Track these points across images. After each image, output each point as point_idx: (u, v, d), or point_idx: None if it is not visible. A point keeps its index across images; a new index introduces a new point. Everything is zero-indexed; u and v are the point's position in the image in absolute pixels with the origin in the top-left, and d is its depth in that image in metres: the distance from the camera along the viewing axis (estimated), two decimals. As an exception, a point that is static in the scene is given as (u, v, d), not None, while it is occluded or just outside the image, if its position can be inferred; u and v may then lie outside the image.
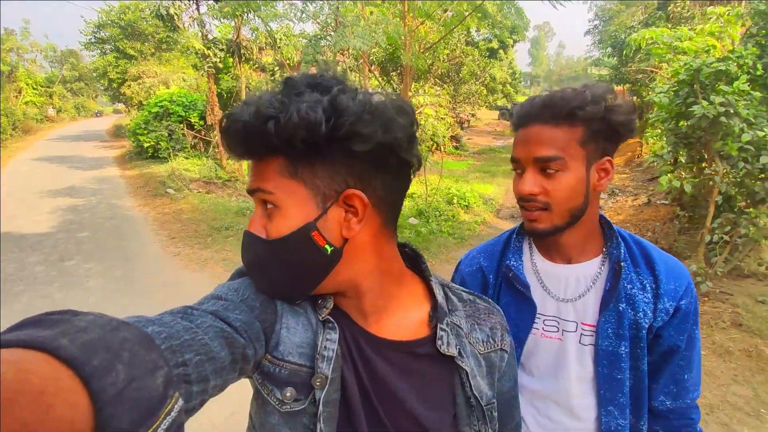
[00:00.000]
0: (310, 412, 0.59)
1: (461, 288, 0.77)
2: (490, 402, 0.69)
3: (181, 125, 12.93)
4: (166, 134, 12.71)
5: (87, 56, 30.93)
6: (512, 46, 25.00)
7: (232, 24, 10.89)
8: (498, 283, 1.01)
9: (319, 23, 5.70)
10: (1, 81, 23.03)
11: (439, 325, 0.67)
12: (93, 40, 22.66)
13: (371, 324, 0.65)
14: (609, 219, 0.98)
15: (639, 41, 5.63)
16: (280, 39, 10.82)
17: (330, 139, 0.54)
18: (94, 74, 27.08)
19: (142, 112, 13.81)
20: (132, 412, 0.33)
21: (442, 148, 10.90)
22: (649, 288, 0.91)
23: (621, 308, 0.91)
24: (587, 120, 0.84)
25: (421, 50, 7.12)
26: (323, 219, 0.58)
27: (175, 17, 10.54)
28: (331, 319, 0.63)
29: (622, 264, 0.90)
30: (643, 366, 0.92)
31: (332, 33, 5.26)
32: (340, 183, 0.58)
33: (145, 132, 12.85)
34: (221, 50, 10.77)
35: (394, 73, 10.91)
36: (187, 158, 12.26)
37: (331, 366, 0.59)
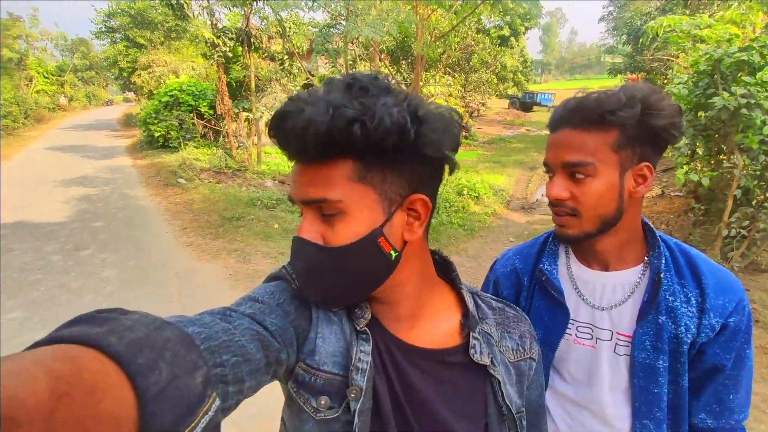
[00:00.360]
0: (343, 420, 0.59)
1: (490, 296, 0.78)
2: (519, 410, 0.69)
3: (191, 115, 12.95)
4: (177, 124, 12.75)
5: (98, 45, 31.01)
6: (524, 34, 24.59)
7: (242, 12, 10.81)
8: (532, 286, 1.00)
9: (329, 12, 5.63)
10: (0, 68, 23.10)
11: (471, 333, 0.67)
12: (103, 29, 22.68)
13: (404, 331, 0.66)
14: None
15: (656, 29, 5.48)
16: (290, 28, 10.73)
17: (408, 144, 0.55)
18: (105, 63, 27.14)
19: (153, 102, 13.84)
20: (173, 410, 0.34)
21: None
22: (694, 301, 0.86)
23: (660, 321, 0.87)
24: (621, 124, 0.81)
25: (433, 39, 7.02)
26: (389, 224, 0.59)
27: (185, 5, 10.48)
28: (367, 330, 0.63)
29: (661, 275, 0.86)
30: (683, 382, 0.88)
31: (343, 22, 5.19)
32: (405, 187, 0.59)
33: (156, 121, 12.90)
34: (231, 39, 10.71)
35: (404, 62, 10.79)
36: (197, 148, 12.30)
37: (366, 377, 0.60)
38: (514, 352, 0.72)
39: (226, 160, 11.22)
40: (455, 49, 8.83)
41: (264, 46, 12.16)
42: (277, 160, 12.67)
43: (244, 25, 11.11)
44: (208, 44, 11.13)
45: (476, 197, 8.73)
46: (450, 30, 6.52)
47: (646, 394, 0.89)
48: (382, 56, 11.74)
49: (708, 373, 0.88)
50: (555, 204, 0.87)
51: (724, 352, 0.86)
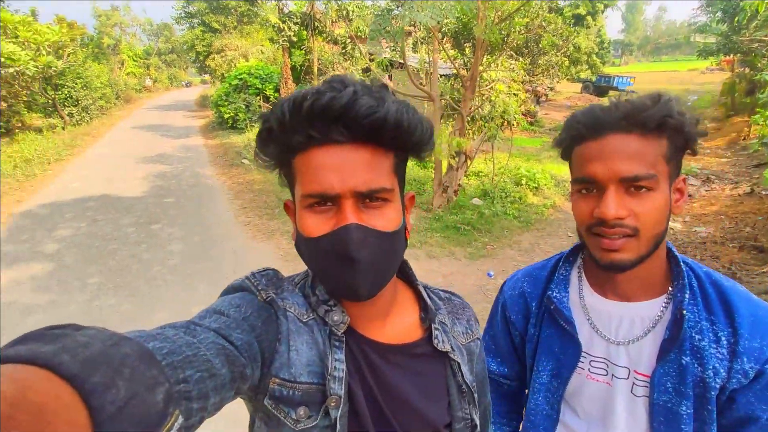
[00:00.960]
0: (321, 426, 0.61)
1: (437, 288, 0.82)
2: (472, 385, 0.76)
3: (258, 97, 13.52)
4: (244, 106, 13.38)
5: (178, 30, 33.09)
6: (602, 12, 22.76)
7: (307, -3, 11.00)
8: (541, 312, 0.92)
9: (388, -5, 5.55)
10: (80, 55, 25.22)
11: (433, 325, 0.73)
12: (182, 15, 24.12)
13: (375, 331, 0.69)
14: (675, 248, 0.83)
15: (757, 6, 4.84)
16: (353, 11, 10.76)
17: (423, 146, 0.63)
18: (183, 47, 28.93)
19: (223, 84, 14.60)
20: (132, 429, 0.33)
21: (514, 125, 10.36)
22: (725, 342, 0.76)
23: (684, 362, 0.77)
24: (674, 131, 0.72)
25: (496, 21, 6.72)
26: (405, 213, 0.67)
27: (254, -9, 10.82)
28: (343, 335, 0.65)
29: (684, 312, 0.77)
30: (711, 430, 0.78)
31: (399, 7, 5.11)
32: (403, 183, 0.67)
33: (226, 103, 13.63)
34: (295, 23, 10.96)
35: (468, 46, 10.42)
36: (262, 130, 12.86)
37: (342, 384, 0.62)
38: (465, 335, 0.78)
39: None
40: (521, 32, 8.36)
41: (327, 30, 12.33)
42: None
43: (309, 10, 11.31)
44: (275, 29, 11.48)
45: (535, 188, 8.36)
46: (515, 11, 6.18)
47: None
48: (445, 39, 11.44)
49: (740, 423, 0.78)
50: (610, 225, 0.73)
51: (760, 403, 0.76)
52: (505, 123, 7.90)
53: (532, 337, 0.93)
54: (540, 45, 13.48)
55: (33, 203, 6.93)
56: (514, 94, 7.57)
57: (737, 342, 0.75)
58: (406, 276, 0.78)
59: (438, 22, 6.00)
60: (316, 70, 12.12)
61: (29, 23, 13.22)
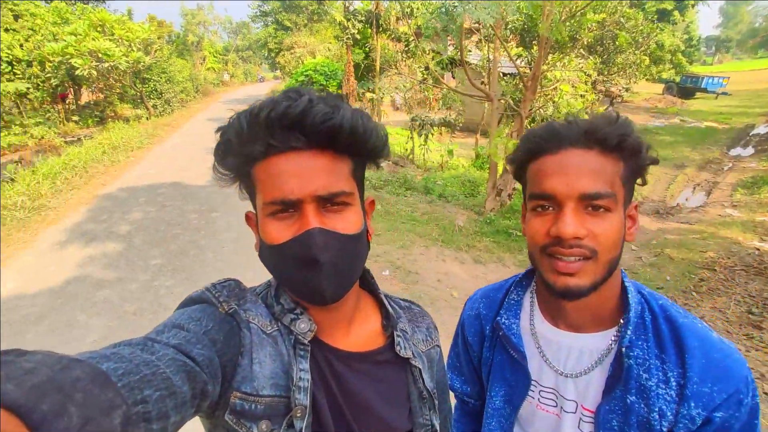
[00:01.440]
0: None
1: (397, 297, 0.84)
2: (433, 391, 0.76)
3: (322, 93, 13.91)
4: (308, 102, 13.83)
5: (254, 28, 34.87)
6: (693, 6, 20.79)
7: (373, -5, 11.11)
8: (494, 336, 0.88)
9: (449, -7, 5.46)
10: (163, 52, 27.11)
11: (395, 332, 0.74)
12: (258, 13, 25.36)
13: (339, 339, 0.70)
14: (631, 280, 0.79)
15: None
16: (417, 8, 10.70)
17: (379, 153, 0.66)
18: (258, 44, 30.43)
19: (290, 80, 15.18)
20: None
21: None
22: (674, 383, 0.70)
23: (629, 400, 0.72)
24: (631, 153, 0.70)
25: (564, 18, 6.37)
26: (365, 217, 0.68)
27: (322, -10, 11.12)
28: (308, 344, 0.65)
29: (623, 348, 0.72)
30: None
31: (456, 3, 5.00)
32: (363, 188, 0.69)
33: (292, 99, 14.16)
34: (360, 21, 11.11)
35: (534, 43, 9.97)
36: (324, 125, 13.23)
37: (308, 394, 0.61)
38: (425, 343, 0.80)
39: (346, 138, 11.85)
40: (591, 30, 7.82)
41: (391, 27, 12.37)
42: (394, 141, 12.95)
43: (374, 8, 11.41)
44: (340, 26, 11.72)
45: (599, 195, 7.85)
46: (584, 7, 5.82)
47: None
48: (511, 37, 11.04)
49: None
50: (567, 246, 0.68)
51: None
52: (570, 125, 7.45)
53: (487, 361, 0.90)
54: (616, 42, 12.58)
55: (115, 187, 7.64)
56: (581, 95, 7.13)
57: (686, 385, 0.69)
58: (368, 285, 0.78)
59: (499, 19, 5.80)
60: (378, 67, 12.22)
61: (124, 22, 14.58)
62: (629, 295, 0.75)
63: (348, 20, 10.97)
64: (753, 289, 4.55)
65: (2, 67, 11.76)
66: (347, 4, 11.64)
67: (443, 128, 11.87)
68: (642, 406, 0.72)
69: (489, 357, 0.90)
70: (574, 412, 0.78)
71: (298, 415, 0.60)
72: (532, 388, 0.83)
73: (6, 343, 3.32)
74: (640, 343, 0.73)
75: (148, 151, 10.87)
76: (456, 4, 5.94)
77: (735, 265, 5.15)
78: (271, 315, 0.67)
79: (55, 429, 0.30)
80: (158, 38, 16.17)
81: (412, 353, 0.75)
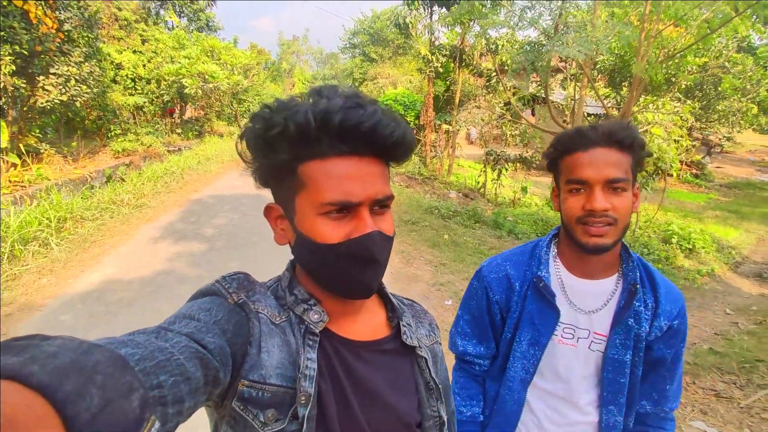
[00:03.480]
0: (287, 430, 0.61)
1: (399, 295, 0.88)
2: (439, 384, 0.79)
3: (399, 122, 14.31)
4: (386, 130, 14.27)
5: (342, 59, 37.06)
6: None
7: (459, 31, 11.38)
8: (524, 291, 1.11)
9: (538, 29, 5.46)
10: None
11: (400, 322, 0.77)
12: (347, 45, 26.97)
13: (347, 329, 0.72)
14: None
15: None
16: (502, 45, 10.78)
17: None
18: (344, 74, 32.25)
19: (371, 109, 15.81)
20: None
21: (673, 175, 9.07)
22: (650, 306, 1.04)
23: (630, 323, 1.03)
24: (637, 150, 0.98)
25: (661, 59, 6.08)
26: None
27: (410, 25, 11.62)
28: (318, 334, 0.66)
29: (637, 286, 1.02)
30: (638, 371, 1.05)
31: (546, 40, 4.97)
32: None
33: (370, 126, 14.71)
34: (444, 56, 11.40)
35: (624, 84, 9.54)
36: (398, 153, 13.54)
37: (314, 383, 0.62)
38: (428, 338, 0.83)
39: (419, 167, 12.02)
40: (691, 72, 7.34)
41: (475, 62, 12.54)
42: (466, 173, 12.89)
43: (460, 43, 11.67)
44: (424, 59, 12.10)
45: (689, 249, 7.19)
46: (684, 50, 5.53)
47: (614, 384, 1.06)
48: (599, 77, 10.70)
49: (652, 365, 1.07)
50: (597, 216, 0.95)
51: (666, 348, 1.06)
52: (660, 172, 7.00)
53: (514, 313, 1.12)
54: (719, 88, 11.68)
55: (204, 193, 8.36)
56: (675, 140, 6.67)
57: (658, 306, 1.04)
58: None
59: (590, 57, 5.66)
60: (457, 100, 12.37)
61: (230, 49, 16.23)
62: (630, 252, 1.08)
63: (432, 54, 11.31)
64: None
65: (126, 83, 13.54)
66: (432, 39, 12.03)
67: (518, 164, 11.63)
68: (635, 325, 1.03)
69: (516, 309, 1.12)
70: (587, 338, 1.07)
71: (302, 402, 0.61)
72: (557, 325, 1.07)
73: (102, 321, 3.71)
74: (639, 285, 1.03)
75: (237, 164, 11.78)
76: (544, 41, 5.91)
77: None
78: (281, 306, 0.68)
79: (78, 409, 0.31)
80: (257, 64, 17.75)
81: (418, 343, 0.77)
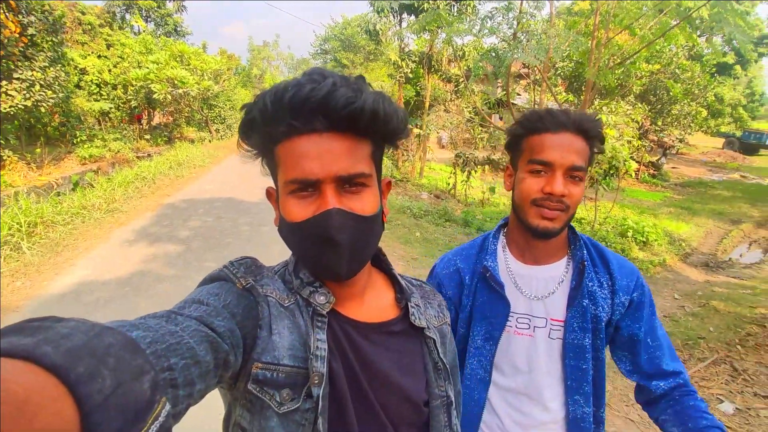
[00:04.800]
0: (302, 409, 0.62)
1: (409, 276, 0.88)
2: (447, 365, 0.79)
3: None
4: (357, 134, 14.48)
5: (314, 64, 37.13)
6: (756, 61, 20.22)
7: (428, 38, 11.76)
8: (474, 283, 1.09)
9: (498, 37, 5.82)
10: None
11: (408, 303, 0.77)
12: (318, 51, 27.13)
13: (355, 310, 0.72)
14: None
15: None
16: (469, 52, 11.21)
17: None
18: (316, 79, 32.41)
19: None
20: (119, 418, 0.33)
21: (629, 174, 9.65)
22: (606, 285, 1.01)
23: (584, 304, 1.00)
24: (598, 141, 0.99)
25: (611, 65, 6.55)
26: (382, 198, 0.70)
27: (380, 32, 11.92)
28: (326, 315, 0.67)
29: (585, 263, 1.01)
30: (602, 356, 1.02)
31: (506, 47, 5.33)
32: (380, 170, 0.71)
33: (342, 130, 14.88)
34: (413, 61, 11.74)
35: (582, 89, 10.12)
36: (370, 156, 13.78)
37: (325, 363, 0.63)
38: (437, 318, 0.83)
39: (392, 170, 12.29)
40: (639, 77, 7.90)
41: (443, 68, 12.95)
42: (437, 176, 13.25)
43: (428, 49, 12.05)
44: (394, 65, 12.42)
45: (643, 242, 7.69)
46: (632, 56, 5.99)
47: (577, 371, 1.01)
48: (560, 82, 11.26)
49: (627, 344, 1.04)
50: (553, 200, 0.94)
51: (634, 322, 1.02)
52: (615, 170, 7.48)
53: (465, 307, 1.09)
54: (671, 93, 12.49)
55: (177, 198, 8.34)
56: (628, 141, 7.16)
57: (614, 283, 1.01)
58: (381, 263, 0.82)
59: (546, 63, 6.06)
60: (427, 105, 12.74)
61: (200, 54, 16.12)
62: (577, 233, 1.07)
63: (402, 60, 11.64)
64: (806, 349, 4.31)
65: (91, 88, 13.27)
66: (402, 45, 12.37)
67: (487, 166, 12.07)
68: (591, 306, 1.00)
69: (468, 303, 1.09)
70: (544, 327, 1.03)
71: (316, 382, 0.61)
72: (510, 316, 1.04)
73: (79, 320, 3.75)
74: (586, 262, 1.02)
75: (208, 169, 11.76)
76: (506, 47, 6.29)
77: (788, 324, 4.89)
78: (289, 289, 0.69)
79: (90, 391, 0.31)
80: (227, 69, 17.69)
81: (427, 324, 0.77)
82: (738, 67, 19.73)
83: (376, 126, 0.61)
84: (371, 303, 0.75)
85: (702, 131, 19.81)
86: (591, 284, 1.01)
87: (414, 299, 0.79)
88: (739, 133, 24.48)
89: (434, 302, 0.86)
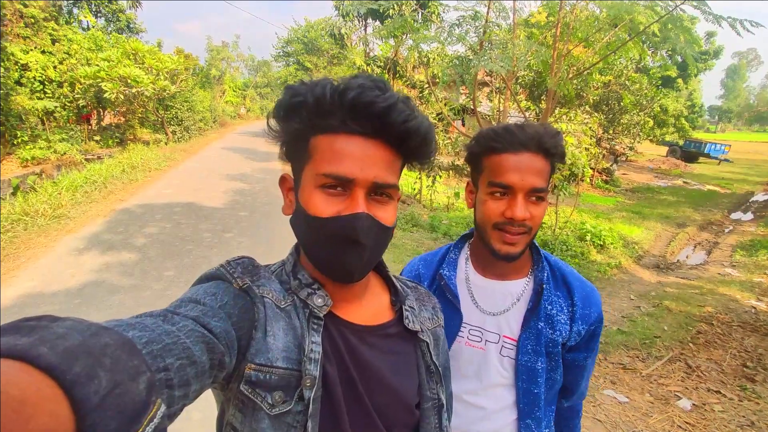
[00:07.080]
0: (294, 411, 0.62)
1: (405, 278, 0.89)
2: (439, 367, 0.80)
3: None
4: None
5: (275, 66, 36.52)
6: (696, 75, 21.75)
7: (393, 44, 11.83)
8: (432, 290, 1.08)
9: (465, 45, 5.91)
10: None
11: (403, 306, 0.78)
12: (281, 53, 26.72)
13: (351, 313, 0.72)
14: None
15: None
16: (434, 59, 11.36)
17: None
18: (278, 82, 31.80)
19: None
20: (115, 419, 0.32)
21: (585, 180, 10.08)
22: (566, 310, 1.00)
23: (540, 326, 0.99)
24: (559, 159, 0.95)
25: (571, 75, 6.81)
26: None
27: (345, 36, 11.87)
28: (323, 318, 0.67)
29: (544, 285, 0.99)
30: (557, 376, 1.02)
31: (473, 55, 5.41)
32: None
33: (306, 134, 14.67)
34: (379, 67, 11.77)
35: (542, 97, 10.52)
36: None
37: (318, 366, 0.63)
38: (431, 321, 0.83)
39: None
40: (596, 88, 8.33)
41: (408, 74, 13.06)
42: (402, 182, 13.28)
43: (393, 55, 12.11)
44: (359, 70, 12.41)
45: (600, 245, 8.03)
46: (589, 68, 6.26)
47: (529, 395, 1.00)
48: (521, 90, 11.62)
49: (568, 368, 1.04)
50: (516, 225, 0.92)
51: (584, 352, 1.03)
52: (574, 176, 7.78)
53: None
54: (621, 103, 13.19)
55: (132, 203, 7.90)
56: (585, 148, 7.47)
57: (575, 311, 0.99)
58: (378, 265, 0.82)
59: (511, 72, 6.21)
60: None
61: (155, 52, 15.43)
62: (540, 252, 1.05)
63: (368, 65, 11.64)
64: (748, 344, 4.62)
65: (34, 85, 12.40)
66: (367, 50, 12.38)
67: (451, 172, 12.25)
68: (548, 329, 0.99)
69: None
70: (497, 343, 1.02)
71: (308, 384, 0.62)
72: (462, 327, 1.04)
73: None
74: (545, 284, 1.00)
75: (165, 172, 11.22)
76: (471, 56, 6.39)
77: (732, 321, 5.23)
78: (285, 290, 0.69)
79: (87, 391, 0.31)
80: (185, 69, 17.02)
81: (420, 327, 0.78)
82: (680, 80, 21.19)
83: (419, 147, 0.65)
84: (367, 305, 0.75)
85: (649, 140, 21.08)
86: (549, 307, 0.99)
87: (409, 302, 0.80)
88: (681, 142, 26.25)
89: (429, 305, 0.86)
